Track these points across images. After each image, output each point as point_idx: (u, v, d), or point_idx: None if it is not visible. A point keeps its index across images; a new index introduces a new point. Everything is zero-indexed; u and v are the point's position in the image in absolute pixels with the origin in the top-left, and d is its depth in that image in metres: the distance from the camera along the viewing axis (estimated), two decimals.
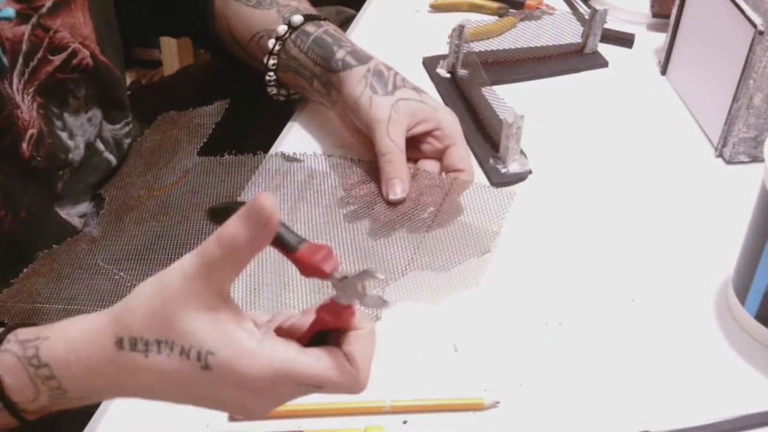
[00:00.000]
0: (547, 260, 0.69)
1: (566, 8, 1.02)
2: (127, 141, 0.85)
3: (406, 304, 0.65)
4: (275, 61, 0.80)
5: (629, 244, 0.71)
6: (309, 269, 0.44)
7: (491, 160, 0.79)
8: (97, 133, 0.80)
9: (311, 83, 0.79)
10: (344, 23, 1.05)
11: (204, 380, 0.44)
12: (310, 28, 0.79)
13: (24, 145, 0.70)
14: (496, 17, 1.00)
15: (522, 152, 0.78)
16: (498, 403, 0.57)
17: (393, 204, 0.70)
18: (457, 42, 0.88)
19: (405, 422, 0.56)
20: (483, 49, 0.92)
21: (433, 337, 0.62)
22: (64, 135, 0.76)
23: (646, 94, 0.90)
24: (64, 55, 0.73)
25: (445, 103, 0.88)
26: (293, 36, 0.79)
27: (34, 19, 0.69)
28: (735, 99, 0.77)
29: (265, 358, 0.43)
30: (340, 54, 0.76)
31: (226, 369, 0.43)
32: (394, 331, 0.62)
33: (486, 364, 0.60)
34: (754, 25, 0.73)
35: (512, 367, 0.60)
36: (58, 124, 0.75)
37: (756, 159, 0.79)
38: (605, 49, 0.96)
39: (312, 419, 0.56)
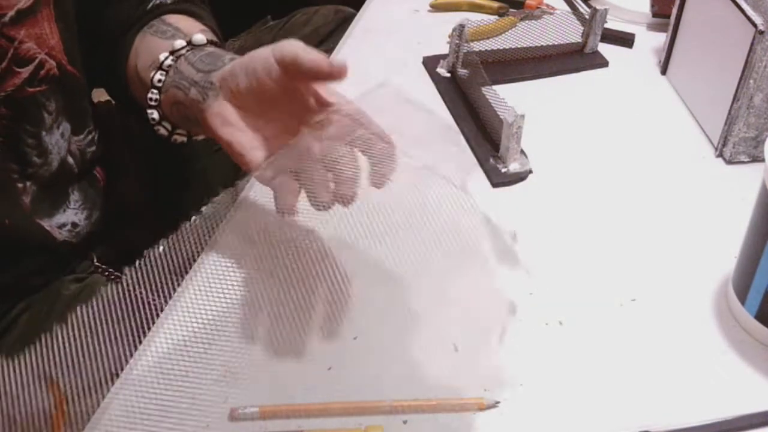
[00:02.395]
0: (546, 260, 0.69)
1: (566, 8, 1.02)
2: (90, 150, 0.81)
3: (406, 305, 0.65)
4: (162, 77, 0.71)
5: (629, 243, 0.71)
6: None
7: (491, 160, 0.79)
8: (67, 147, 0.78)
9: (187, 93, 0.69)
10: (343, 22, 1.05)
11: None
12: (210, 48, 0.72)
13: None
14: (497, 17, 1.00)
15: (522, 152, 0.78)
16: (498, 403, 0.57)
17: (338, 76, 0.60)
18: (457, 42, 0.88)
19: (405, 422, 0.56)
20: (483, 49, 0.92)
21: (433, 337, 0.62)
22: (31, 152, 0.74)
23: (646, 94, 0.90)
24: (31, 68, 0.70)
25: (445, 103, 0.88)
26: (188, 53, 0.71)
27: None
28: (735, 99, 0.77)
29: None
30: (229, 56, 0.69)
31: None
32: (394, 331, 0.63)
33: (486, 364, 0.60)
34: (755, 25, 0.73)
35: (512, 367, 0.60)
36: (31, 142, 0.73)
37: (756, 159, 0.79)
38: (605, 49, 0.96)
39: (312, 419, 0.56)
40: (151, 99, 0.73)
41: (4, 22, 0.67)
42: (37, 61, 0.71)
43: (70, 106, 0.77)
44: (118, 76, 0.80)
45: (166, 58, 0.72)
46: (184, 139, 0.76)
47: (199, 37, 0.73)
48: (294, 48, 0.61)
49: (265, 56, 0.63)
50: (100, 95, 0.95)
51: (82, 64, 0.78)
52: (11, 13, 0.67)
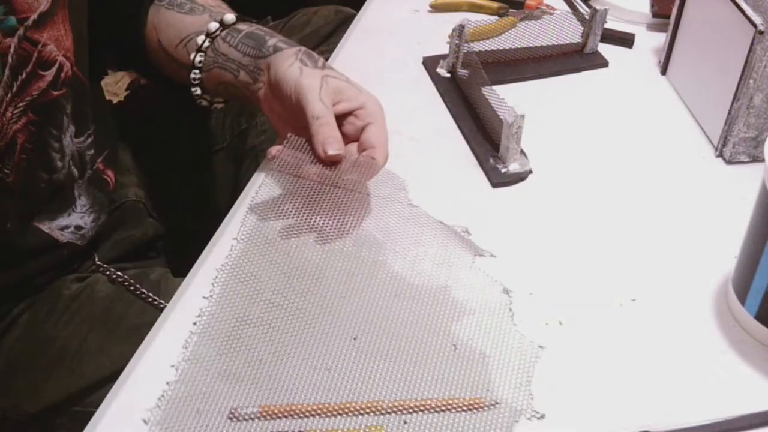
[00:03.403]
0: (547, 260, 0.69)
1: (566, 8, 1.02)
2: (90, 153, 0.82)
3: (405, 305, 0.65)
4: (202, 59, 0.78)
5: (629, 243, 0.71)
6: None
7: (491, 160, 0.79)
8: (72, 149, 0.79)
9: (237, 75, 0.76)
10: (343, 23, 1.05)
11: None
12: (241, 26, 0.78)
13: None
14: (496, 17, 1.00)
15: (522, 152, 0.78)
16: (498, 403, 0.57)
17: (329, 161, 0.68)
18: (457, 42, 0.88)
19: (405, 422, 0.56)
20: (483, 49, 0.92)
21: (433, 337, 0.62)
22: (56, 156, 0.76)
23: (646, 94, 0.90)
24: (53, 70, 0.72)
25: (445, 103, 0.88)
26: (224, 33, 0.78)
27: (20, 32, 0.68)
28: (735, 99, 0.77)
29: None
30: (271, 41, 0.75)
31: None
32: (394, 331, 0.62)
33: (486, 364, 0.60)
34: (754, 25, 0.73)
35: (512, 367, 0.60)
36: (56, 145, 0.75)
37: (756, 159, 0.79)
38: (605, 49, 0.96)
39: (312, 419, 0.56)
40: (193, 79, 0.79)
41: (27, 26, 0.69)
42: (57, 63, 0.72)
43: (76, 107, 0.78)
44: (137, 47, 0.84)
45: (204, 41, 0.78)
46: (222, 105, 0.84)
47: (230, 17, 0.78)
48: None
49: (305, 118, 0.69)
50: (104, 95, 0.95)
51: (88, 66, 0.79)
52: (34, 16, 0.69)
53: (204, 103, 0.82)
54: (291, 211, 0.69)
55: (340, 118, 0.71)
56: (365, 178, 0.71)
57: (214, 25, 0.77)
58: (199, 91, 0.80)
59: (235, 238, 0.68)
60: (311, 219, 0.69)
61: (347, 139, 0.71)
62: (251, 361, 0.60)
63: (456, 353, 0.61)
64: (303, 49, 0.74)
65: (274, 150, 0.70)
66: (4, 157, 0.71)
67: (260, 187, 0.71)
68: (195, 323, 0.62)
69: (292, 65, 0.71)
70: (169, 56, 0.81)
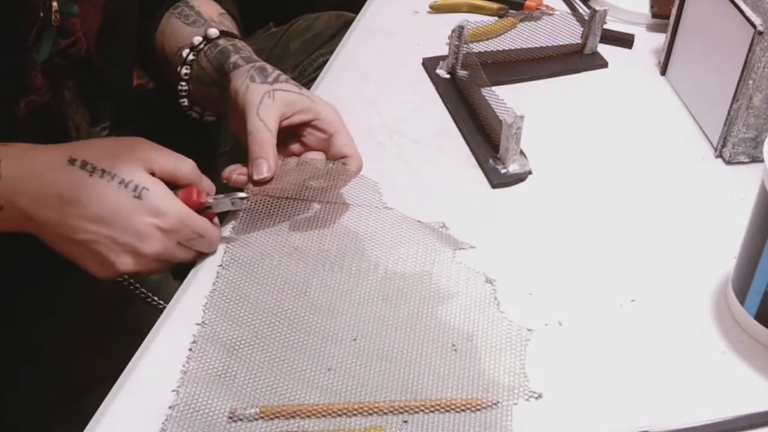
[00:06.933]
0: (546, 260, 0.69)
1: (566, 9, 1.02)
2: None
3: (404, 304, 0.65)
4: (188, 71, 0.80)
5: (629, 244, 0.71)
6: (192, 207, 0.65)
7: (491, 161, 0.79)
8: (86, 132, 0.80)
9: (211, 90, 0.79)
10: (344, 26, 1.05)
11: (130, 207, 0.61)
12: (221, 41, 0.79)
13: (21, 103, 0.70)
14: (496, 18, 1.00)
15: (522, 152, 0.78)
16: (498, 403, 0.57)
17: (258, 184, 0.68)
18: (456, 43, 0.89)
19: (405, 422, 0.56)
20: (483, 50, 0.92)
21: (432, 337, 0.62)
22: (71, 123, 0.77)
23: (645, 94, 0.90)
24: (67, 42, 0.73)
25: (445, 104, 0.88)
26: (206, 48, 0.79)
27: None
28: (735, 99, 0.77)
29: (180, 205, 0.64)
30: (233, 58, 0.76)
31: (152, 202, 0.62)
32: (394, 332, 0.63)
33: (486, 364, 0.60)
34: (754, 26, 0.73)
35: (512, 367, 0.60)
36: (68, 111, 0.76)
37: (756, 159, 0.79)
38: (605, 50, 0.96)
39: (312, 419, 0.56)
40: (181, 90, 0.81)
41: None
42: (74, 37, 0.74)
43: (85, 90, 0.79)
44: (147, 47, 0.86)
45: (188, 54, 0.80)
46: (213, 118, 0.85)
47: (213, 32, 0.80)
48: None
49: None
50: None
51: (118, 57, 0.81)
52: None
53: (194, 115, 0.83)
54: (270, 232, 0.70)
55: (298, 129, 0.72)
56: (338, 185, 0.72)
57: (197, 39, 0.79)
58: (186, 103, 0.82)
59: (220, 265, 0.68)
60: (291, 237, 0.70)
61: (309, 148, 0.73)
62: (251, 361, 0.60)
63: (456, 352, 0.61)
64: (257, 64, 0.74)
65: (226, 172, 0.71)
66: (35, 110, 0.72)
67: (240, 213, 0.71)
68: (191, 348, 0.61)
69: (242, 84, 0.72)
70: (170, 64, 0.83)
